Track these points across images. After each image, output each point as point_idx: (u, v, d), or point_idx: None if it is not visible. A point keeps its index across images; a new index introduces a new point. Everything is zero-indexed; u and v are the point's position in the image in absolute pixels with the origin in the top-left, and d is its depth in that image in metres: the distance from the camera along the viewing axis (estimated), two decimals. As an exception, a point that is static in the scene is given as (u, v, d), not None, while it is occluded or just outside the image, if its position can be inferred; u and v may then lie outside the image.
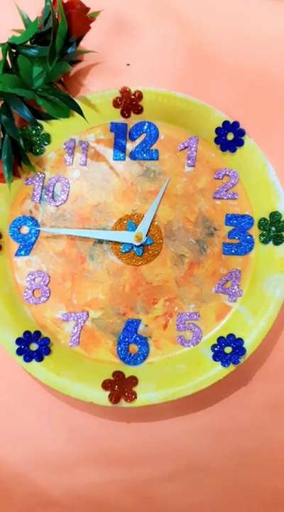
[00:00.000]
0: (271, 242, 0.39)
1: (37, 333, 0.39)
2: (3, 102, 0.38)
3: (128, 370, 0.38)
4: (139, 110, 0.41)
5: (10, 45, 0.37)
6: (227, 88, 0.42)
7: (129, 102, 0.41)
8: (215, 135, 0.40)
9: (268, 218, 0.40)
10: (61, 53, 0.38)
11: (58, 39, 0.37)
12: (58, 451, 0.39)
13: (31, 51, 0.37)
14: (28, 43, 0.38)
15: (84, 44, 0.41)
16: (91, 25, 0.40)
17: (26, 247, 0.40)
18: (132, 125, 0.41)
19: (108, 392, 0.37)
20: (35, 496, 0.39)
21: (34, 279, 0.40)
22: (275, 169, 0.39)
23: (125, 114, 0.41)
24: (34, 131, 0.41)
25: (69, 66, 0.39)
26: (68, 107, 0.38)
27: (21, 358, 0.38)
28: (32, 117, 0.37)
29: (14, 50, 0.38)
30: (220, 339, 0.39)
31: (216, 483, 0.39)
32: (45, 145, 0.41)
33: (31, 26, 0.38)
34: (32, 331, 0.39)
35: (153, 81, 0.41)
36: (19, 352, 0.38)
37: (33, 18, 0.39)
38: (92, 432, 0.39)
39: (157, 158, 0.41)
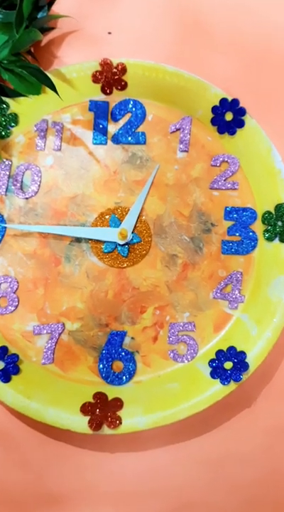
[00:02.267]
0: (277, 239, 0.40)
1: (4, 349, 0.39)
2: None
3: (112, 391, 0.38)
4: (122, 86, 0.41)
5: None
6: (225, 61, 0.42)
7: (111, 77, 0.41)
8: (211, 115, 0.41)
9: (273, 212, 0.40)
10: (29, 19, 0.39)
11: (26, 2, 0.37)
12: (27, 489, 0.39)
13: (-6, 16, 0.37)
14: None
15: (57, 8, 0.41)
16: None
17: (-10, 247, 0.40)
18: (114, 103, 0.42)
19: (88, 417, 0.37)
20: None
21: None
22: (282, 154, 0.40)
23: (106, 90, 0.41)
24: None
25: (40, 34, 0.39)
26: (39, 81, 0.38)
27: (-16, 378, 0.37)
28: None
29: (-26, 15, 0.37)
30: (219, 353, 0.39)
31: (217, 522, 0.39)
32: (12, 127, 0.41)
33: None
34: None
35: (138, 52, 0.42)
36: (-18, 371, 0.37)
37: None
38: (69, 464, 0.39)
39: (145, 142, 0.41)
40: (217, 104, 0.40)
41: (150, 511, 0.39)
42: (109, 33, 0.43)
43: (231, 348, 0.39)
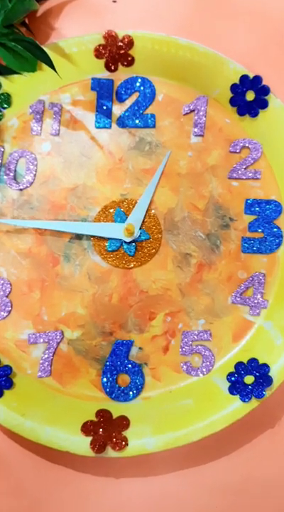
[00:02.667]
0: (305, 236, 0.38)
1: None
2: None
3: (117, 408, 0.36)
4: (129, 62, 0.40)
5: None
6: (246, 32, 0.40)
7: (116, 51, 0.39)
8: (230, 94, 0.39)
9: (301, 204, 0.38)
10: None
11: None
12: None
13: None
14: None
15: None
16: None
17: (-20, 244, 0.39)
18: (120, 81, 0.40)
19: (90, 438, 0.35)
20: None
21: None
22: (311, 139, 0.37)
23: (111, 66, 0.40)
24: None
25: (35, 3, 0.38)
26: (34, 57, 0.37)
27: (-27, 393, 0.36)
28: None
29: None
30: (239, 365, 0.37)
31: None
32: (4, 108, 0.39)
33: None
34: None
35: (147, 23, 0.40)
36: None
37: None
38: (69, 490, 0.37)
39: (154, 126, 0.40)
40: (237, 81, 0.38)
41: None
42: (114, 1, 0.41)
43: (253, 360, 0.37)
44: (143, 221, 0.38)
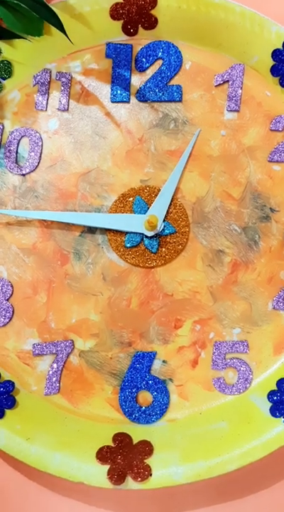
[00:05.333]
0: None
1: None
2: None
3: (138, 432, 0.37)
4: (151, 23, 0.40)
5: None
6: None
7: (136, 11, 0.40)
8: (272, 62, 0.40)
9: None
10: None
11: None
12: None
13: None
14: None
15: None
16: None
17: (-24, 239, 0.40)
18: (140, 47, 0.41)
19: (107, 467, 0.36)
20: None
21: None
22: None
23: (129, 29, 0.40)
24: None
25: None
26: (41, 18, 0.38)
27: None
28: None
29: None
30: (282, 382, 0.38)
31: None
32: (4, 79, 0.40)
33: None
34: None
35: None
36: None
37: None
38: None
39: (181, 100, 0.40)
40: (280, 47, 0.39)
41: None
42: None
43: None
44: (168, 212, 0.39)
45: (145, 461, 0.36)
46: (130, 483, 0.36)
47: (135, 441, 0.37)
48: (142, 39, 0.41)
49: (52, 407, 0.38)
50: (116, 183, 0.40)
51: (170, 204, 0.39)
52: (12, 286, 0.39)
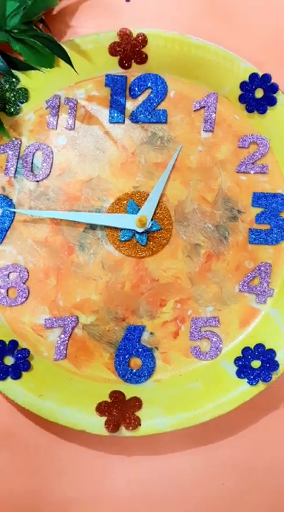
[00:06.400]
0: (310, 228, 0.38)
1: (14, 344, 0.38)
2: None
3: (130, 390, 0.37)
4: (143, 59, 0.40)
5: None
6: (255, 32, 0.41)
7: (130, 49, 0.39)
8: (240, 92, 0.39)
9: (306, 198, 0.39)
10: None
11: None
12: (40, 493, 0.38)
13: (4, -21, 0.35)
14: None
15: None
16: None
17: (-2, 233, 0.39)
18: (133, 78, 0.40)
19: (104, 418, 0.36)
20: None
21: (8, 275, 0.39)
22: None
23: (124, 63, 0.40)
24: (8, 85, 0.39)
25: None
26: (52, 53, 0.37)
27: (-7, 375, 0.36)
28: (5, 66, 0.36)
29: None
30: (246, 350, 0.38)
31: (239, 530, 0.38)
32: (22, 103, 0.40)
33: None
34: (6, 341, 0.37)
35: (160, 22, 0.40)
36: (-10, 368, 0.36)
37: None
38: (84, 468, 0.38)
39: (166, 121, 0.40)
40: (246, 79, 0.39)
41: (170, 518, 0.38)
42: (127, 0, 0.41)
43: (259, 346, 0.38)
44: (155, 213, 0.39)
45: (135, 413, 0.36)
46: (124, 432, 0.36)
47: (127, 398, 0.37)
48: (135, 72, 0.40)
49: (60, 370, 0.38)
50: (113, 188, 0.40)
51: (157, 206, 0.39)
52: (28, 272, 0.39)
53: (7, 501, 0.38)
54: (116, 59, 0.40)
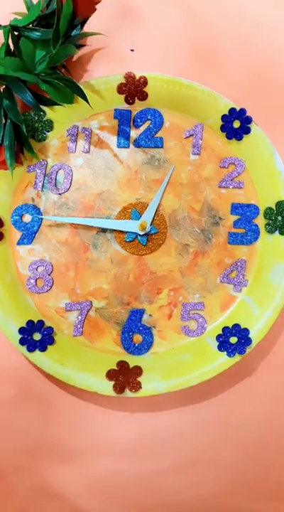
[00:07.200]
0: (277, 232, 0.40)
1: (41, 323, 0.39)
2: (5, 86, 0.37)
3: (133, 360, 0.39)
4: (144, 96, 0.41)
5: (12, 28, 0.37)
6: (234, 75, 0.42)
7: (134, 88, 0.40)
8: (221, 122, 0.40)
9: (274, 208, 0.40)
10: (65, 36, 0.38)
11: (62, 21, 0.37)
12: (61, 442, 0.40)
13: (34, 34, 0.37)
14: (30, 26, 0.38)
15: (87, 29, 0.41)
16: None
17: (29, 235, 0.40)
18: (136, 112, 0.41)
19: (112, 382, 0.37)
20: (38, 489, 0.40)
21: (37, 268, 0.40)
22: (283, 158, 0.40)
23: (129, 100, 0.41)
24: (37, 117, 0.40)
25: (75, 49, 0.38)
26: (72, 92, 0.38)
27: (24, 347, 0.38)
28: (35, 102, 0.37)
29: (16, 33, 0.37)
30: (225, 329, 0.39)
31: (222, 475, 0.40)
32: (48, 131, 0.41)
33: (34, 8, 0.38)
34: (35, 321, 0.39)
35: (158, 67, 0.41)
36: (22, 342, 0.38)
37: (35, 1, 0.39)
38: (96, 422, 0.40)
39: (162, 146, 0.41)
40: (226, 113, 0.40)
41: (165, 465, 0.40)
42: (132, 50, 0.43)
43: (236, 325, 0.39)
44: (153, 219, 0.41)
45: (137, 379, 0.38)
46: (128, 393, 0.37)
47: (131, 366, 0.38)
48: (137, 107, 0.41)
49: (78, 344, 0.39)
50: (120, 200, 0.41)
51: (155, 214, 0.40)
52: (52, 266, 0.40)
53: (34, 445, 0.39)
54: (122, 96, 0.41)
